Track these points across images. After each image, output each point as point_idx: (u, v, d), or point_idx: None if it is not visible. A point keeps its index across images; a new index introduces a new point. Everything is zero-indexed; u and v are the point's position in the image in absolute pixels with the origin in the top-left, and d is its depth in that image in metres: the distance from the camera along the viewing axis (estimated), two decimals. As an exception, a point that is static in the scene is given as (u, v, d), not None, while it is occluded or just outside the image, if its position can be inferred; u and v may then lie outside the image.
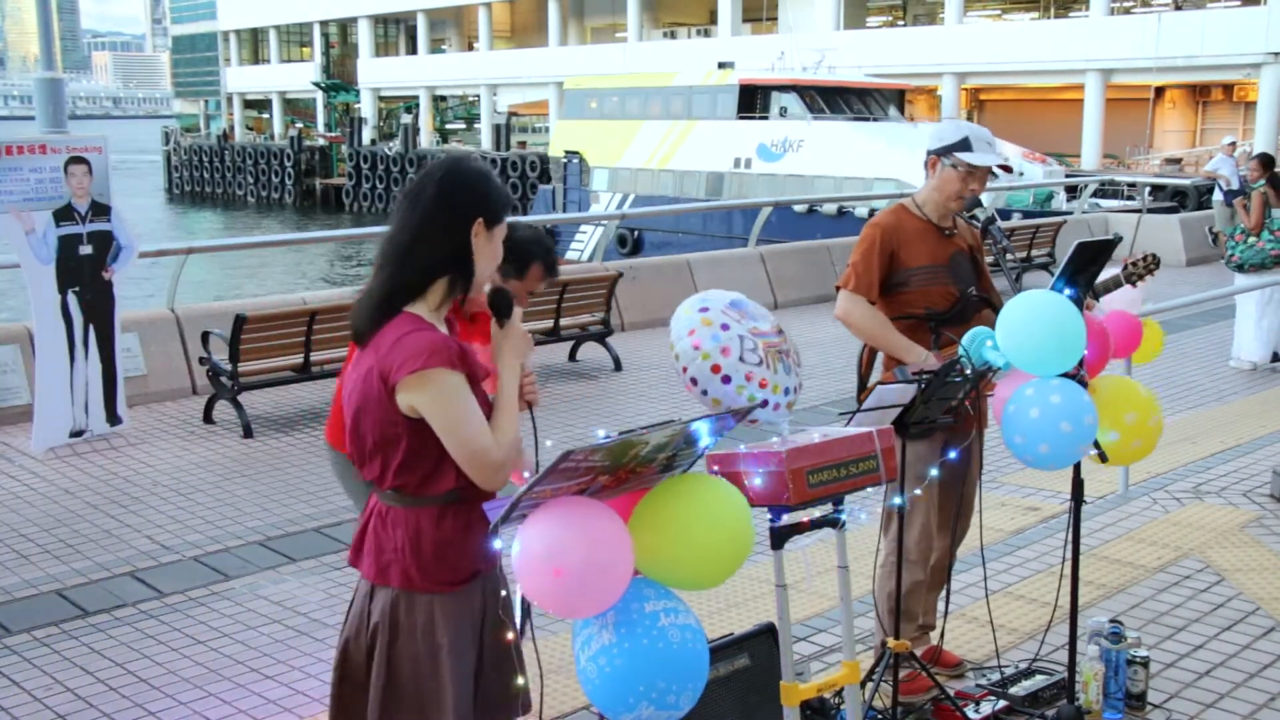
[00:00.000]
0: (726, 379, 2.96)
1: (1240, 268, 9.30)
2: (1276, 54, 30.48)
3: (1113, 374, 3.95)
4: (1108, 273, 4.02)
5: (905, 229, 3.90)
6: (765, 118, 26.56)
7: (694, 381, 3.01)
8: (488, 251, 2.45)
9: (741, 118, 26.68)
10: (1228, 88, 36.68)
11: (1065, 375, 3.37)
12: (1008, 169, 3.94)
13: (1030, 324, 3.30)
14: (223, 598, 4.94)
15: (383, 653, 2.46)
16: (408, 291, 2.42)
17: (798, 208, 22.66)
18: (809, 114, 25.97)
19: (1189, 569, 5.10)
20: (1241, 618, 4.58)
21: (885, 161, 22.77)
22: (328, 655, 4.35)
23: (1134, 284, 4.10)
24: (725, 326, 3.03)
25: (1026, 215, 19.64)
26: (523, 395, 2.55)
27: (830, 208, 22.34)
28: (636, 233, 25.66)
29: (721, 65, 28.96)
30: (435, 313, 2.44)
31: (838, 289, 3.93)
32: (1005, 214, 20.19)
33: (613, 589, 2.24)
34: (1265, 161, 9.49)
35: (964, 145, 3.85)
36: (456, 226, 2.40)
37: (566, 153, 30.07)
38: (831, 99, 26.67)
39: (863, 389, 3.98)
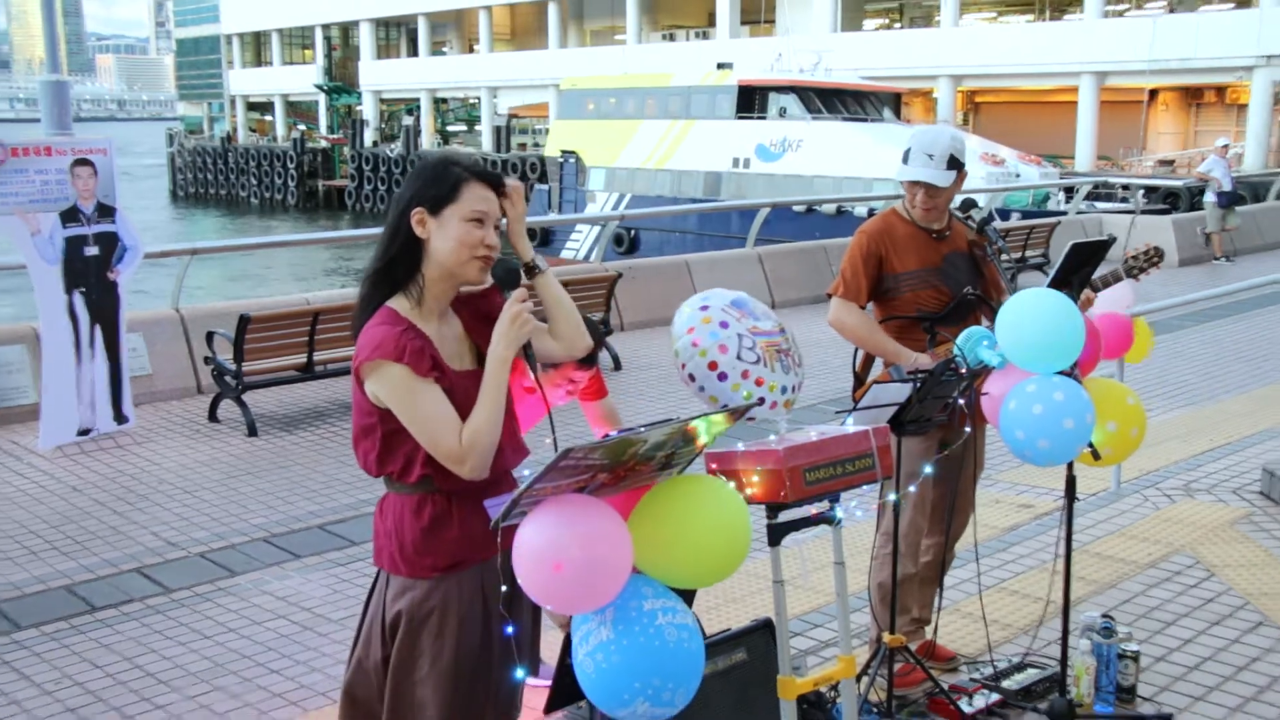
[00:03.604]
0: (723, 376, 3.00)
1: None
2: (1269, 57, 30.56)
3: (1106, 377, 4.00)
4: (1106, 267, 4.03)
5: (894, 234, 3.93)
6: (764, 118, 26.55)
7: (691, 378, 3.05)
8: (440, 236, 2.44)
9: (740, 118, 26.64)
10: (1220, 90, 36.72)
11: (1060, 373, 3.40)
12: (932, 188, 3.80)
13: (1029, 321, 3.32)
14: (228, 593, 5.00)
15: (387, 639, 2.52)
16: (375, 287, 2.48)
17: (796, 206, 22.67)
18: (808, 114, 25.93)
19: (1179, 565, 5.15)
20: (1230, 612, 4.64)
21: (884, 161, 22.72)
22: (331, 650, 4.42)
23: (1136, 277, 4.10)
24: (724, 324, 3.06)
25: (1025, 215, 19.69)
26: (513, 322, 2.42)
27: (829, 207, 22.35)
28: (633, 232, 25.60)
29: (720, 66, 28.84)
30: (417, 308, 2.46)
31: (829, 296, 3.99)
32: (1004, 214, 20.25)
33: (612, 584, 2.26)
34: None
35: (904, 157, 3.89)
36: (399, 221, 2.46)
37: (563, 152, 29.89)
38: (829, 100, 26.62)
39: (859, 387, 4.03)
